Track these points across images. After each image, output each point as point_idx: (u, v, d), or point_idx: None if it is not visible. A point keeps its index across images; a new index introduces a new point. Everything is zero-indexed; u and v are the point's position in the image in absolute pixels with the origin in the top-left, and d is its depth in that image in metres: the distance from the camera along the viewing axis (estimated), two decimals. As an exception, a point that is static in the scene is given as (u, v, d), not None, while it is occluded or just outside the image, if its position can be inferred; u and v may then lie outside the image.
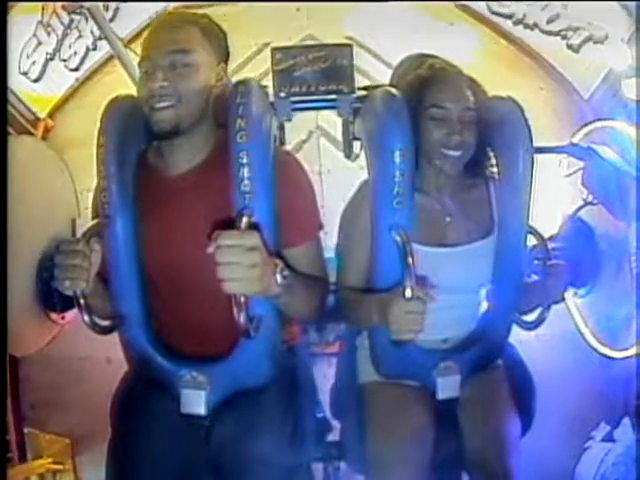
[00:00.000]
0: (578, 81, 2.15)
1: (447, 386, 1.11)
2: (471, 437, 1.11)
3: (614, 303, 1.51)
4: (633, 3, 1.78)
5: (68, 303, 1.23)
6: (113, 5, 2.14)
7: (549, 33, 2.14)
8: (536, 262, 1.13)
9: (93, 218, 1.08)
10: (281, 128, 1.30)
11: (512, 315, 1.16)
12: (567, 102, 2.17)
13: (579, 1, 2.02)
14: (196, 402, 1.02)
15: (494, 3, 2.18)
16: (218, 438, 1.03)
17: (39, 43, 2.19)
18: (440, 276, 1.04)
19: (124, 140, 1.00)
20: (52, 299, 1.47)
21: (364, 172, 1.12)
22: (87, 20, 2.15)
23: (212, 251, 0.80)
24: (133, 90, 1.05)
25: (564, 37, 2.12)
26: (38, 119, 2.24)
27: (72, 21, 2.18)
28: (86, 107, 2.19)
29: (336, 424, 1.22)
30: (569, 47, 2.12)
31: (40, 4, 2.13)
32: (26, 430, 2.09)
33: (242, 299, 0.84)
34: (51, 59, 2.21)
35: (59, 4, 2.14)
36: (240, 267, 0.80)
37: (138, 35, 2.02)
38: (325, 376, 1.31)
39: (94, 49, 2.22)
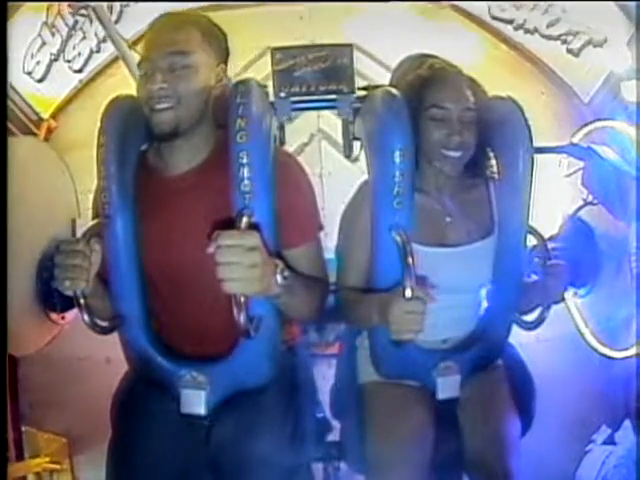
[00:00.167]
0: (578, 85, 2.16)
1: (447, 386, 1.11)
2: (471, 437, 1.10)
3: (614, 303, 1.51)
4: (632, 4, 1.78)
5: (68, 303, 1.23)
6: (117, 7, 2.16)
7: (549, 37, 2.15)
8: (536, 261, 1.13)
9: (93, 218, 1.08)
10: (281, 128, 1.31)
11: (512, 315, 1.16)
12: (567, 106, 2.18)
13: (579, 1, 2.02)
14: (196, 402, 1.02)
15: (495, 8, 2.19)
16: (218, 438, 1.03)
17: (43, 43, 2.20)
18: (440, 276, 1.04)
19: (124, 140, 1.00)
20: (52, 299, 1.47)
21: (365, 175, 1.12)
22: (91, 22, 2.17)
23: (212, 251, 0.80)
24: (137, 92, 1.05)
25: (564, 41, 2.13)
26: (41, 119, 2.25)
27: (76, 22, 2.20)
28: (89, 109, 2.19)
29: (336, 424, 1.22)
30: (569, 51, 2.13)
31: (45, 4, 2.14)
32: (24, 429, 2.09)
33: (242, 299, 0.84)
34: (55, 60, 2.22)
35: (64, 5, 2.15)
36: (240, 267, 0.80)
37: (142, 37, 2.03)
38: (324, 377, 1.31)
39: (98, 51, 2.24)
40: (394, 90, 1.07)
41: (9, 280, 1.25)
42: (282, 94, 1.28)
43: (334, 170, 2.18)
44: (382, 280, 1.04)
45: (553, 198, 1.72)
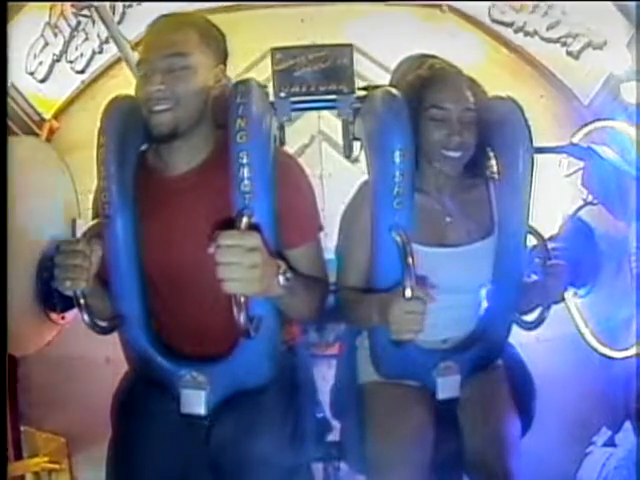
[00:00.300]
0: (578, 87, 2.17)
1: (447, 386, 1.11)
2: (471, 437, 1.10)
3: (614, 303, 1.51)
4: (632, 5, 1.78)
5: (68, 303, 1.23)
6: (120, 9, 2.16)
7: (549, 40, 2.16)
8: (536, 261, 1.13)
9: (93, 218, 1.08)
10: (281, 128, 1.31)
11: (512, 315, 1.16)
12: (567, 108, 2.19)
13: (579, 1, 2.03)
14: (196, 402, 1.02)
15: (495, 11, 2.20)
16: (218, 438, 1.02)
17: (46, 44, 2.20)
18: (440, 276, 1.04)
19: (124, 140, 1.00)
20: (52, 299, 1.47)
21: (365, 176, 1.12)
22: (94, 23, 2.17)
23: (212, 251, 0.80)
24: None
25: (564, 44, 2.13)
26: (43, 120, 2.25)
27: (79, 23, 2.20)
28: (91, 109, 2.19)
29: (336, 424, 1.22)
30: (569, 54, 2.14)
31: (48, 4, 2.15)
32: (23, 428, 2.09)
33: (242, 299, 0.84)
34: (58, 60, 2.23)
35: (67, 6, 2.16)
36: (240, 267, 0.80)
37: (144, 39, 2.04)
38: (324, 377, 1.31)
39: (100, 52, 2.24)
40: (394, 90, 1.07)
41: (9, 280, 1.25)
42: (282, 94, 1.28)
43: (334, 171, 2.18)
44: (382, 280, 1.04)
45: (553, 198, 1.73)
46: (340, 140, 1.40)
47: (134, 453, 1.03)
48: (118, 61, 2.13)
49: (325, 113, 1.97)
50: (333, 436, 1.22)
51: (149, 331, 1.04)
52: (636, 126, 1.53)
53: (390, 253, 1.01)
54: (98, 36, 2.21)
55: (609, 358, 1.58)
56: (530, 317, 1.15)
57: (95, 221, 1.04)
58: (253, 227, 0.88)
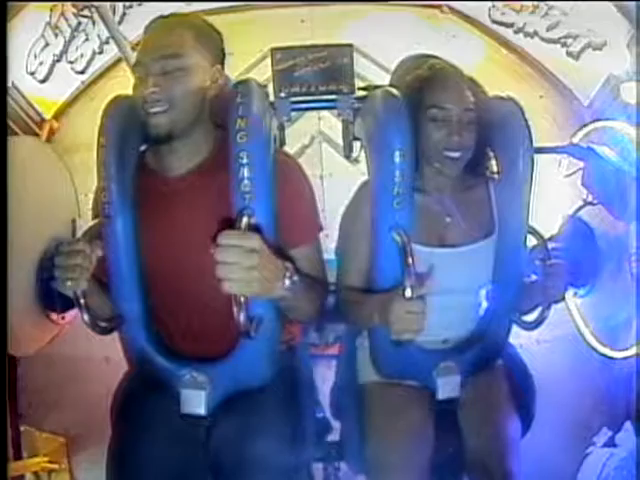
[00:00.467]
0: (578, 88, 2.17)
1: (447, 386, 1.10)
2: (471, 437, 1.10)
3: (614, 303, 1.51)
4: (632, 5, 1.78)
5: (68, 303, 1.22)
6: (120, 10, 2.16)
7: (549, 41, 2.16)
8: (537, 262, 1.13)
9: (93, 218, 1.08)
10: (281, 128, 1.31)
11: (512, 315, 1.16)
12: (567, 109, 2.19)
13: (579, 1, 2.03)
14: (196, 402, 1.02)
15: (495, 11, 2.20)
16: (218, 438, 1.02)
17: (46, 44, 2.20)
18: (440, 276, 1.04)
19: (124, 140, 1.00)
20: (52, 299, 1.47)
21: (365, 176, 1.12)
22: (94, 24, 2.17)
23: (213, 246, 0.80)
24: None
25: (564, 44, 2.13)
26: (44, 120, 2.26)
27: (79, 24, 2.20)
28: (91, 110, 2.19)
29: (336, 424, 1.22)
30: (569, 54, 2.14)
31: (49, 5, 2.15)
32: (22, 428, 2.09)
33: (242, 299, 0.84)
34: (58, 61, 2.23)
35: (67, 6, 2.16)
36: (239, 268, 0.80)
37: (143, 39, 2.04)
38: (324, 378, 1.30)
39: (100, 52, 2.25)
40: (394, 90, 1.07)
41: (9, 280, 1.25)
42: (282, 94, 1.29)
43: (334, 172, 2.18)
44: (382, 280, 1.04)
45: (553, 198, 1.73)
46: (340, 140, 1.40)
47: (134, 453, 1.03)
48: (118, 62, 2.13)
49: (325, 113, 1.97)
50: (333, 436, 1.22)
51: (149, 331, 1.04)
52: (636, 126, 1.53)
53: (390, 253, 1.01)
54: (98, 36, 2.22)
55: (609, 358, 1.58)
56: (530, 317, 1.15)
57: (95, 221, 1.04)
58: (253, 227, 0.88)
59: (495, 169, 1.12)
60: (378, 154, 1.05)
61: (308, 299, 1.00)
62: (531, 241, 1.16)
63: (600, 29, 2.05)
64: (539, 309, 1.12)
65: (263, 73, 1.99)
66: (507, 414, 1.13)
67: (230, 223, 0.87)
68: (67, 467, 2.12)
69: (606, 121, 1.64)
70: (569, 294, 1.66)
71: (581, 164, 1.61)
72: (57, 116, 2.30)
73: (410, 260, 0.95)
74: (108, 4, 1.84)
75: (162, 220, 1.01)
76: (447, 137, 1.05)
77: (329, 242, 1.14)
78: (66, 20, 2.19)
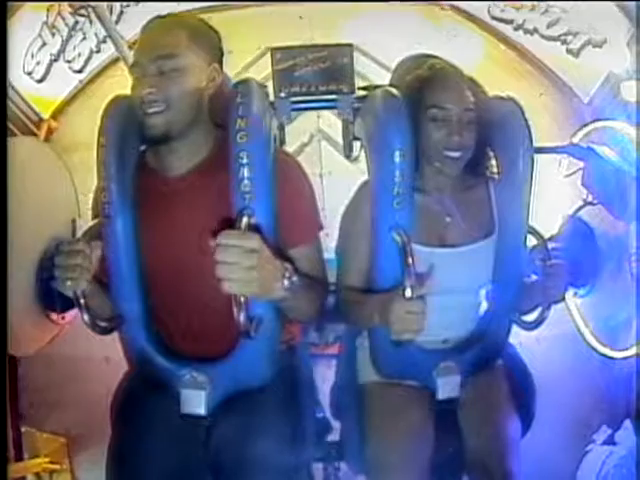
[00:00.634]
0: (578, 85, 2.17)
1: (447, 386, 1.10)
2: (471, 437, 1.10)
3: (614, 303, 1.51)
4: (632, 4, 1.78)
5: (68, 303, 1.22)
6: (117, 9, 2.16)
7: (549, 38, 2.15)
8: (537, 262, 1.13)
9: (93, 218, 1.08)
10: (281, 128, 1.31)
11: (512, 315, 1.16)
12: (567, 107, 2.19)
13: (580, 1, 2.02)
14: (196, 402, 1.02)
15: (495, 8, 2.19)
16: (218, 438, 1.02)
17: (44, 44, 2.20)
18: (440, 276, 1.04)
19: (124, 140, 1.00)
20: (52, 299, 1.47)
21: (365, 175, 1.12)
22: (91, 22, 2.17)
23: (213, 245, 0.80)
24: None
25: (564, 42, 2.13)
26: (41, 120, 2.25)
27: (77, 23, 2.20)
28: (89, 109, 2.19)
29: (336, 424, 1.22)
30: (569, 52, 2.13)
31: (46, 4, 2.15)
32: (23, 429, 2.09)
33: (242, 299, 0.84)
34: (55, 60, 2.22)
35: (64, 5, 2.15)
36: (238, 268, 0.80)
37: (140, 39, 2.04)
38: (324, 378, 1.30)
39: (98, 51, 2.24)
40: (394, 90, 1.07)
41: (9, 280, 1.25)
42: (282, 94, 1.29)
43: (334, 170, 2.18)
44: (382, 280, 1.04)
45: (553, 198, 1.72)
46: (339, 138, 1.40)
47: (134, 453, 1.03)
48: (116, 60, 2.13)
49: (324, 112, 1.96)
50: (333, 436, 1.22)
51: (149, 331, 1.04)
52: (636, 126, 1.53)
53: (390, 253, 1.01)
54: (96, 35, 2.21)
55: (609, 358, 1.58)
56: (530, 317, 1.15)
57: (95, 221, 1.04)
58: (253, 227, 0.87)
59: (495, 169, 1.12)
60: (378, 154, 1.05)
61: (308, 299, 1.00)
62: (531, 241, 1.16)
63: (600, 26, 2.04)
64: (539, 309, 1.12)
65: (262, 71, 1.99)
66: (507, 414, 1.13)
67: (230, 223, 0.87)
68: (68, 467, 2.12)
69: (606, 121, 1.63)
70: (569, 294, 1.65)
71: (581, 164, 1.61)
72: (55, 115, 2.29)
73: (410, 260, 0.95)
74: (105, 4, 1.83)
75: (162, 220, 1.01)
76: (447, 137, 1.05)
77: (329, 241, 1.14)
78: (63, 19, 2.19)
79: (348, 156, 1.35)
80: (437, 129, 1.06)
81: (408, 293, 0.90)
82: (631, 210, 1.41)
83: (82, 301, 0.93)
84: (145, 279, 1.03)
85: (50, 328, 1.58)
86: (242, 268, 0.80)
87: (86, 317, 0.95)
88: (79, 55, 2.24)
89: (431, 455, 1.07)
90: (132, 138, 1.01)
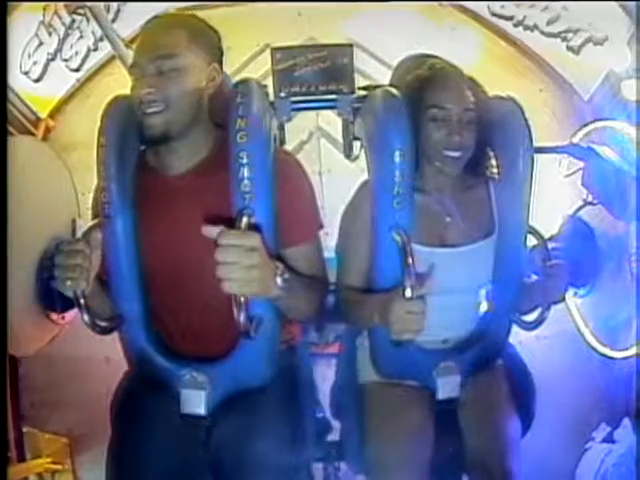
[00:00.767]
0: (578, 82, 2.16)
1: (447, 386, 1.11)
2: (471, 437, 1.11)
3: (614, 303, 1.51)
4: (633, 4, 1.78)
5: (68, 303, 1.23)
6: (115, 6, 2.15)
7: (549, 35, 2.15)
8: (536, 261, 1.13)
9: (93, 218, 1.08)
10: (281, 128, 1.31)
11: (512, 315, 1.16)
12: (567, 104, 2.18)
13: (580, 1, 2.02)
14: (196, 402, 1.02)
15: (495, 5, 2.19)
16: (218, 438, 1.03)
17: (40, 43, 2.19)
18: (440, 276, 1.04)
19: (124, 140, 1.00)
20: (52, 299, 1.47)
21: (364, 173, 1.12)
22: (88, 21, 2.16)
23: (213, 234, 0.80)
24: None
25: (564, 39, 2.12)
26: (39, 119, 2.25)
27: (73, 21, 2.19)
28: (87, 108, 2.19)
29: (336, 424, 1.22)
30: (569, 49, 2.13)
31: (42, 4, 2.14)
32: (25, 429, 2.09)
33: (242, 299, 0.84)
34: (52, 59, 2.22)
35: (61, 5, 2.15)
36: (239, 267, 0.80)
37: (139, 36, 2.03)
38: (324, 377, 1.30)
39: (95, 49, 2.23)
40: (394, 90, 1.07)
41: (9, 280, 1.25)
42: (282, 94, 1.28)
43: (333, 168, 2.17)
44: (382, 280, 1.04)
45: (553, 198, 1.72)
46: (339, 136, 1.40)
47: (134, 453, 1.03)
48: (113, 58, 2.11)
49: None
50: (333, 436, 1.22)
51: (149, 331, 1.04)
52: (636, 126, 1.52)
53: (390, 253, 1.01)
54: (93, 33, 2.20)
55: (609, 358, 1.58)
56: (530, 317, 1.15)
57: (95, 221, 1.04)
58: (253, 227, 0.88)
59: (495, 169, 1.11)
60: (378, 154, 1.04)
61: (305, 298, 1.01)
62: (531, 241, 1.16)
63: (601, 24, 2.04)
64: (539, 309, 1.12)
65: (260, 68, 1.98)
66: (507, 414, 1.13)
67: (230, 223, 0.87)
68: (70, 467, 2.12)
69: (606, 121, 1.63)
70: (569, 294, 1.65)
71: (581, 164, 1.61)
72: (53, 114, 2.29)
73: (410, 260, 0.95)
74: (102, 4, 1.83)
75: (162, 220, 1.01)
76: (447, 137, 1.05)
77: (328, 240, 1.14)
78: (60, 18, 2.18)
79: (348, 156, 1.35)
80: (437, 129, 1.05)
81: (408, 293, 0.90)
82: (631, 210, 1.40)
83: (82, 301, 0.93)
84: (145, 279, 1.03)
85: (50, 328, 1.58)
86: (243, 267, 0.80)
87: (86, 317, 0.95)
88: (76, 54, 2.23)
89: (431, 455, 1.07)
90: (132, 138, 1.01)
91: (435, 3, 2.22)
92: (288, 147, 1.46)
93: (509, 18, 2.19)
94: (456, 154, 1.06)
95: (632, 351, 1.47)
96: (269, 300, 0.93)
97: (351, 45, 1.31)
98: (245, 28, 2.11)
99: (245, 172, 0.92)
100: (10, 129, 2.03)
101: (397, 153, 1.00)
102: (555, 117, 2.15)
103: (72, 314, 1.53)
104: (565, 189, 1.78)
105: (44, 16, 2.17)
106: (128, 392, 1.11)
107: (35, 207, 1.46)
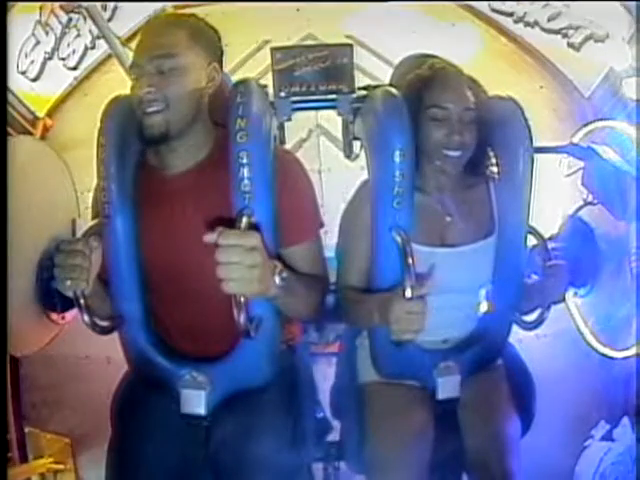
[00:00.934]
0: (579, 80, 2.16)
1: (447, 386, 1.11)
2: (471, 437, 1.11)
3: (614, 303, 1.51)
4: (633, 3, 1.77)
5: (68, 303, 1.23)
6: (111, 5, 2.15)
7: (550, 31, 2.15)
8: (536, 261, 1.13)
9: (93, 218, 1.08)
10: (281, 128, 1.31)
11: (512, 315, 1.16)
12: (567, 101, 2.18)
13: (581, 0, 2.02)
14: (196, 402, 1.02)
15: (496, 2, 2.18)
16: (218, 438, 1.03)
17: (37, 42, 2.19)
18: (440, 276, 1.04)
19: (124, 140, 1.00)
20: (52, 299, 1.46)
21: (364, 171, 1.11)
22: (85, 19, 2.16)
23: (213, 240, 0.80)
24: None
25: (565, 35, 2.12)
26: (37, 118, 2.25)
27: (70, 20, 2.19)
28: (85, 106, 2.19)
29: (336, 424, 1.22)
30: (570, 45, 2.13)
31: (38, 4, 2.13)
32: (27, 429, 2.09)
33: (242, 299, 0.84)
34: (49, 58, 2.22)
35: (57, 4, 2.14)
36: (240, 267, 0.80)
37: (136, 34, 2.02)
38: (325, 376, 1.31)
39: (92, 48, 2.23)
40: (394, 90, 1.07)
41: (9, 280, 1.24)
42: (282, 94, 1.28)
43: (333, 166, 2.17)
44: (382, 280, 1.04)
45: (553, 198, 1.72)
46: (338, 134, 1.40)
47: (134, 453, 1.04)
48: (111, 56, 2.11)
49: (323, 109, 1.96)
50: (333, 436, 1.22)
51: (149, 331, 1.04)
52: (636, 126, 1.52)
53: (390, 253, 1.01)
54: (90, 32, 2.20)
55: (609, 358, 1.58)
56: (530, 317, 1.15)
57: (95, 221, 1.03)
58: (253, 227, 0.88)
59: (495, 169, 1.11)
60: (378, 154, 1.04)
61: (304, 297, 1.01)
62: (531, 241, 1.16)
63: (602, 22, 2.04)
64: (539, 309, 1.12)
65: (259, 65, 1.97)
66: (507, 414, 1.13)
67: (230, 223, 0.87)
68: (72, 467, 2.12)
69: (607, 121, 1.63)
70: (569, 294, 1.65)
71: (581, 164, 1.61)
72: (50, 113, 2.29)
73: (410, 260, 0.95)
74: (99, 4, 1.82)
75: (162, 219, 1.01)
76: (447, 136, 1.05)
77: (328, 239, 1.14)
78: (56, 17, 2.18)
79: (348, 156, 1.35)
80: (437, 129, 1.05)
81: (408, 293, 0.90)
82: (631, 210, 1.40)
83: (82, 301, 0.94)
84: (145, 278, 1.03)
85: (50, 328, 1.57)
86: (244, 267, 0.80)
87: (86, 317, 0.95)
88: (73, 52, 2.23)
89: (431, 455, 1.07)
90: (132, 138, 1.01)
91: (435, 3, 2.22)
92: (287, 145, 1.45)
93: (510, 14, 2.19)
94: (456, 154, 1.06)
95: (632, 351, 1.47)
96: (268, 299, 0.93)
97: (351, 45, 1.30)
98: (243, 25, 2.11)
99: (245, 172, 0.92)
100: (8, 129, 2.03)
101: (397, 153, 0.99)
102: (555, 114, 2.15)
103: (72, 314, 1.53)
104: (565, 189, 1.78)
105: (40, 15, 2.17)
106: (128, 392, 1.11)
107: (35, 207, 1.45)
